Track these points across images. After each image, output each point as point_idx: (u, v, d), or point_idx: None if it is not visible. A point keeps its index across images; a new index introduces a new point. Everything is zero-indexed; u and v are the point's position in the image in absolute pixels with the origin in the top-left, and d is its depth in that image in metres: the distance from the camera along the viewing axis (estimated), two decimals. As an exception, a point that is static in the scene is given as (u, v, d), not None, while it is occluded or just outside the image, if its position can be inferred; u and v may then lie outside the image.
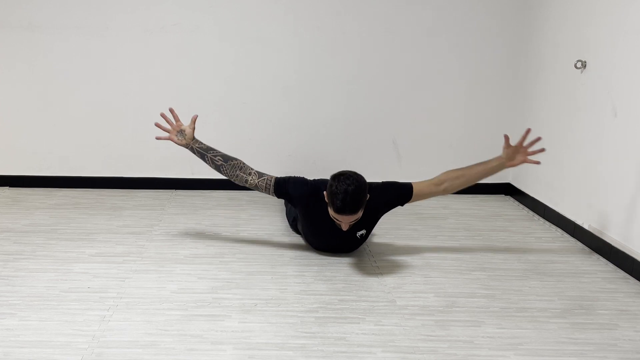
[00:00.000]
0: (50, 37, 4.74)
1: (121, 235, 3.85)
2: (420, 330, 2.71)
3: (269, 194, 3.47)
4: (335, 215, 3.17)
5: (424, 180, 3.52)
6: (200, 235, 3.91)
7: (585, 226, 3.85)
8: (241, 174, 3.45)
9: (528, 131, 3.41)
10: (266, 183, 3.43)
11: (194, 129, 3.54)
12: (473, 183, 3.55)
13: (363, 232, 3.43)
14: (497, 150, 4.98)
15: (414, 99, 4.93)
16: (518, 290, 3.16)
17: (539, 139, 3.43)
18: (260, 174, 3.47)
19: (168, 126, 3.57)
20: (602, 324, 2.81)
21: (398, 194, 3.45)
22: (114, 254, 3.54)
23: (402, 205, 3.50)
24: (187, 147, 3.56)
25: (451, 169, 3.54)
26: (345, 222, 3.17)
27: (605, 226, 3.65)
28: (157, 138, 3.57)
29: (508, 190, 5.02)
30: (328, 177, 4.97)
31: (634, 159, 3.38)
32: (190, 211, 4.42)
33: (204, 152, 3.52)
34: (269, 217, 4.25)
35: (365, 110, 4.93)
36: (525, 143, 3.44)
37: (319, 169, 4.94)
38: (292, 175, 3.52)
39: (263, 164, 4.94)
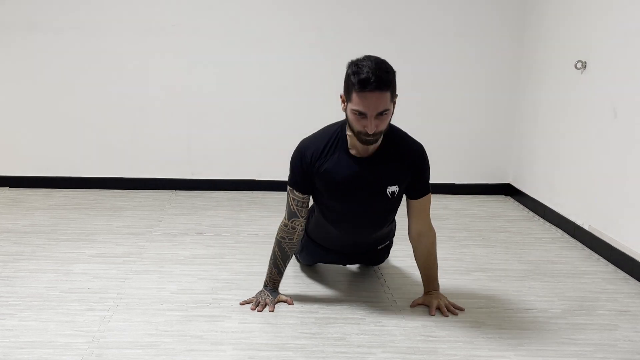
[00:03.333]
0: (51, 37, 4.74)
1: (121, 236, 3.85)
2: (420, 331, 2.71)
3: (307, 205, 2.89)
4: (357, 105, 2.55)
5: (427, 213, 3.02)
6: (200, 235, 3.91)
7: (586, 227, 3.85)
8: (290, 233, 2.89)
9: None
10: (297, 204, 2.84)
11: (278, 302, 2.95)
12: (419, 260, 2.99)
13: (395, 188, 2.81)
14: (496, 150, 5.00)
15: (413, 99, 4.91)
16: (518, 290, 3.16)
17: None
18: (287, 216, 2.89)
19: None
20: (602, 324, 2.81)
21: (422, 182, 2.93)
22: (114, 254, 3.54)
23: (409, 194, 2.93)
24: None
25: (434, 247, 3.00)
26: (371, 112, 2.55)
27: (606, 227, 3.65)
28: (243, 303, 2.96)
29: (508, 190, 5.02)
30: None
31: (634, 159, 3.38)
32: (190, 212, 4.42)
33: (272, 267, 2.96)
34: (269, 217, 4.25)
35: (365, 110, 4.92)
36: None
37: (319, 170, 4.95)
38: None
39: (263, 164, 4.97)
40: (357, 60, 2.62)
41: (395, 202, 2.89)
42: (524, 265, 3.52)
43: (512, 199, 4.93)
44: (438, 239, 3.66)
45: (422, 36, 4.83)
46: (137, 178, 4.97)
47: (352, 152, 2.76)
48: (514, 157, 4.96)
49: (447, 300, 2.93)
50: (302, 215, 2.86)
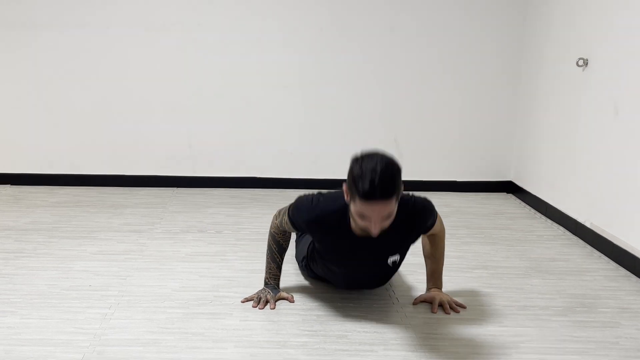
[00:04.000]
0: (53, 35, 4.74)
1: (122, 233, 3.85)
2: (422, 329, 2.70)
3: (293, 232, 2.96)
4: (361, 210, 2.41)
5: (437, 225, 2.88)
6: (202, 233, 3.91)
7: (587, 224, 3.85)
8: (281, 230, 2.93)
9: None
10: (289, 227, 2.87)
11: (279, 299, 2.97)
12: (425, 249, 2.98)
13: (396, 257, 2.80)
14: (497, 147, 5.00)
15: (415, 98, 4.92)
16: (520, 288, 3.16)
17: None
18: (279, 224, 2.91)
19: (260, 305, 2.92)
20: (603, 322, 2.81)
21: (429, 224, 2.81)
22: (116, 252, 3.54)
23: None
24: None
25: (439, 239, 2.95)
26: (375, 218, 2.42)
27: (607, 224, 3.65)
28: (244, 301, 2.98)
29: (510, 188, 5.02)
30: (331, 176, 5.01)
31: (636, 157, 3.37)
32: (192, 209, 4.42)
33: (270, 262, 2.97)
34: (270, 215, 4.23)
35: (367, 108, 4.93)
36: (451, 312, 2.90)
37: (320, 167, 4.95)
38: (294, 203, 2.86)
39: (265, 161, 4.97)
40: (362, 160, 2.42)
41: (396, 267, 2.88)
42: (526, 262, 3.51)
43: (513, 197, 4.93)
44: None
45: (424, 34, 4.82)
46: (138, 175, 4.98)
47: (356, 232, 2.65)
48: (515, 154, 4.95)
49: (450, 297, 2.92)
50: (292, 232, 2.93)
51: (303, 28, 4.80)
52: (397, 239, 2.71)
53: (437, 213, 2.81)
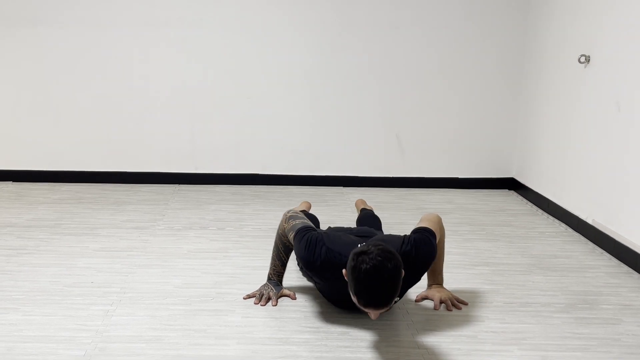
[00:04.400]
0: (55, 32, 4.74)
1: (125, 230, 3.86)
2: (424, 325, 2.71)
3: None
4: (360, 306, 2.37)
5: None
6: (204, 229, 3.91)
7: (589, 221, 3.85)
8: (284, 238, 2.88)
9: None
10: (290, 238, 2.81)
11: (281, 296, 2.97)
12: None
13: (397, 298, 2.53)
14: (499, 144, 4.99)
15: (417, 95, 4.92)
16: (522, 285, 3.16)
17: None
18: (287, 232, 2.84)
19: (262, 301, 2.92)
20: (605, 318, 2.81)
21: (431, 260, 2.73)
22: (118, 248, 3.54)
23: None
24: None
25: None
26: (375, 313, 2.38)
27: (609, 221, 3.65)
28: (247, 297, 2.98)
29: (512, 184, 5.02)
30: (333, 173, 5.01)
31: (638, 153, 3.37)
32: (194, 206, 4.42)
33: (276, 259, 2.95)
34: (272, 211, 4.25)
35: (369, 105, 4.92)
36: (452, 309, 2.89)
37: (321, 164, 4.95)
38: (304, 227, 2.76)
39: (266, 157, 4.97)
40: (362, 261, 2.31)
41: (395, 303, 2.77)
42: (528, 259, 3.52)
43: (515, 193, 4.93)
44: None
45: (426, 31, 4.82)
46: (140, 172, 4.98)
47: None
48: (517, 151, 4.95)
49: (451, 294, 2.93)
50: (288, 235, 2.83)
51: (306, 26, 4.80)
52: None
53: (435, 236, 2.72)
